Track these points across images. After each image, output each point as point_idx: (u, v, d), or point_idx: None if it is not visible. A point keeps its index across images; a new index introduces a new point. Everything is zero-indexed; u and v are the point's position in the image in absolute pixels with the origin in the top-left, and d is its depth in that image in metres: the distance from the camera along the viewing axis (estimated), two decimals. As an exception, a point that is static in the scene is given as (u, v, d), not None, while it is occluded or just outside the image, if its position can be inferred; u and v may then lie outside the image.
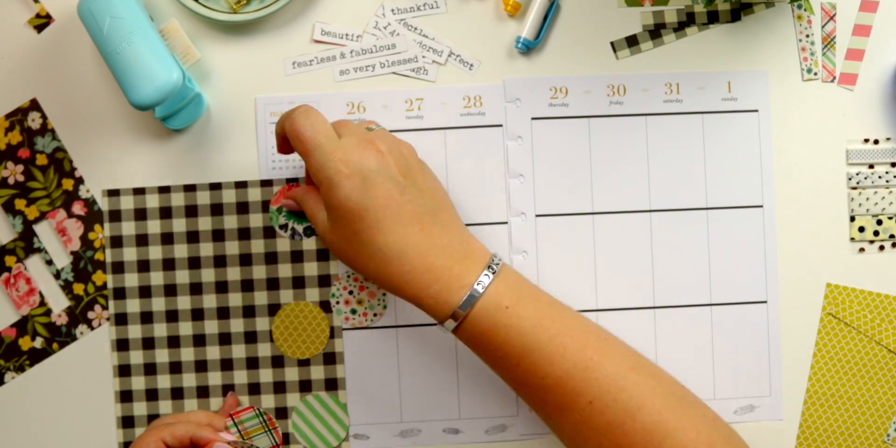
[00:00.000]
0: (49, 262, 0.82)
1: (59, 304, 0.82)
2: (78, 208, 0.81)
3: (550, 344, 0.68)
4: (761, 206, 0.81)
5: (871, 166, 0.82)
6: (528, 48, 0.81)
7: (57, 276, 0.82)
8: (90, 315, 0.81)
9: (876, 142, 0.82)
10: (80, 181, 0.81)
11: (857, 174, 0.82)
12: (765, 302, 0.81)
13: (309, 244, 0.81)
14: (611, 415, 0.67)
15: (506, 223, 0.81)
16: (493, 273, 0.70)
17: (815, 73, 0.82)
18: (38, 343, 0.81)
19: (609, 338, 0.71)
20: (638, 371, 0.69)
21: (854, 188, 0.82)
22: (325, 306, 0.81)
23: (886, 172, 0.82)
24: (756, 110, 0.82)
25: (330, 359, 0.81)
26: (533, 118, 0.81)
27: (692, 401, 0.71)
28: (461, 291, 0.69)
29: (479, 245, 0.72)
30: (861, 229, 0.82)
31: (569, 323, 0.70)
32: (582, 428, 0.68)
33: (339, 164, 0.69)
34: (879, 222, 0.82)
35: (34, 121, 0.81)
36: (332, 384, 0.81)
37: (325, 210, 0.71)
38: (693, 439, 0.67)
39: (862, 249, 0.82)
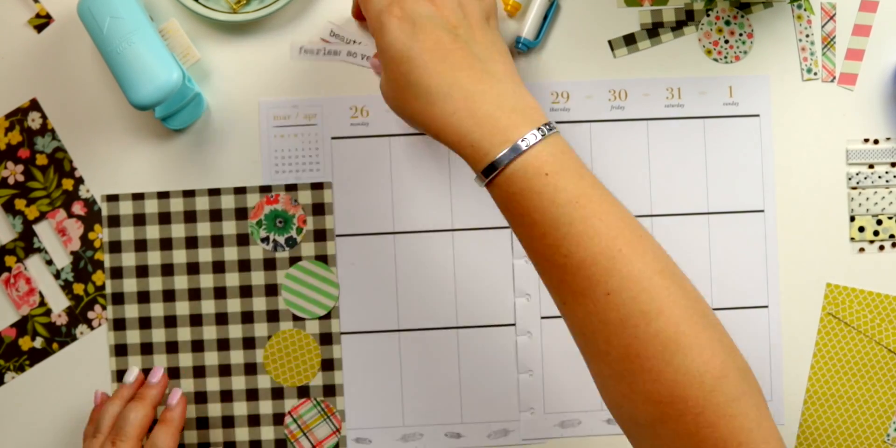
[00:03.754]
0: (49, 262, 0.82)
1: (59, 304, 0.82)
2: (78, 208, 0.81)
3: (582, 223, 0.64)
4: (762, 211, 0.81)
5: (871, 166, 0.82)
6: (528, 48, 0.81)
7: (57, 276, 0.81)
8: (90, 315, 0.81)
9: (876, 142, 0.82)
10: (80, 181, 0.81)
11: (857, 174, 0.82)
12: (766, 307, 0.81)
13: (307, 250, 0.81)
14: (625, 312, 0.62)
15: (508, 227, 0.81)
16: (543, 136, 0.65)
17: (815, 73, 0.82)
18: (38, 343, 0.81)
19: (644, 235, 0.65)
20: (665, 276, 0.64)
21: (854, 188, 0.82)
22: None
23: (886, 172, 0.82)
24: (757, 115, 0.82)
25: (328, 365, 0.81)
26: None
27: (713, 321, 0.64)
28: (503, 145, 0.64)
29: (534, 104, 0.68)
30: (861, 229, 0.82)
31: (607, 208, 0.65)
32: (594, 319, 0.63)
33: (393, 8, 0.67)
34: (879, 222, 0.82)
35: (34, 121, 0.81)
36: (329, 390, 0.81)
37: (379, 56, 0.69)
38: (706, 362, 0.61)
39: (862, 249, 0.82)
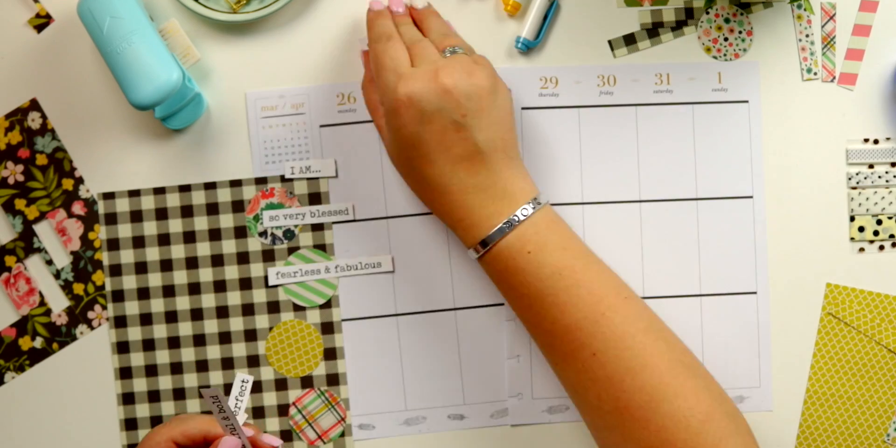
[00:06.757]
0: (49, 262, 0.82)
1: (58, 303, 0.82)
2: (78, 208, 0.81)
3: (565, 293, 0.71)
4: (751, 197, 0.81)
5: (871, 166, 0.82)
6: (528, 48, 0.81)
7: (57, 276, 0.82)
8: (90, 315, 0.81)
9: (876, 142, 0.82)
10: (79, 181, 0.81)
11: (857, 174, 0.82)
12: (754, 293, 0.81)
13: (305, 240, 0.81)
14: (612, 369, 0.69)
15: None
16: (525, 216, 0.72)
17: (815, 73, 0.82)
18: (38, 343, 0.81)
19: (630, 296, 0.72)
20: (649, 333, 0.70)
21: (854, 188, 0.82)
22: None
23: (886, 172, 0.82)
24: (746, 101, 0.82)
25: (331, 354, 0.81)
26: (523, 108, 0.81)
27: (699, 372, 0.71)
28: (489, 229, 0.72)
29: (524, 186, 0.74)
30: (861, 229, 0.82)
31: (591, 276, 0.72)
32: (583, 377, 0.70)
33: (403, 94, 0.71)
34: (879, 222, 0.82)
35: (34, 121, 0.81)
36: (333, 379, 0.81)
37: (388, 131, 0.74)
38: (691, 407, 0.68)
39: (862, 249, 0.82)
